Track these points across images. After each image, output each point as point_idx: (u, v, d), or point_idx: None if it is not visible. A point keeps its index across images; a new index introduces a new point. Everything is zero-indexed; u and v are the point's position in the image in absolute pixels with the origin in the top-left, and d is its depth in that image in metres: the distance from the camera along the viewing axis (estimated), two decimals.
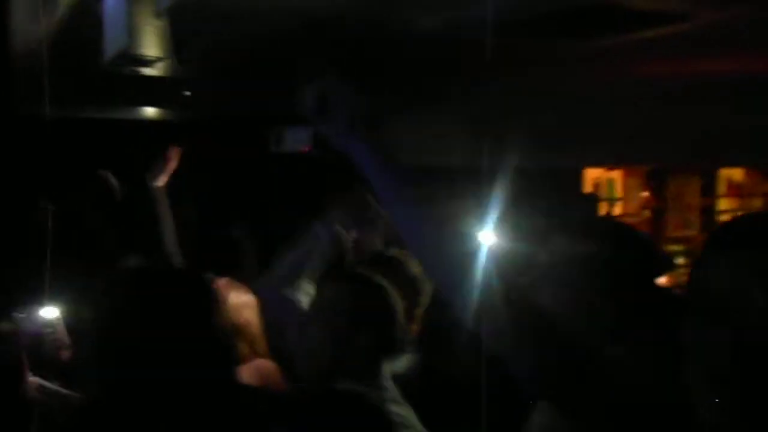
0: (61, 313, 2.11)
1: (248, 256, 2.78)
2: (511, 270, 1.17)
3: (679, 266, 5.33)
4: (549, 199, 3.34)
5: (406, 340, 1.62)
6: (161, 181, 2.57)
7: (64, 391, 1.60)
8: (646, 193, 5.86)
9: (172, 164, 2.59)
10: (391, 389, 1.43)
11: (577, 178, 5.38)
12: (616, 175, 5.73)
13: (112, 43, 2.11)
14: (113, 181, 3.43)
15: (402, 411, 1.38)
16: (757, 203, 6.26)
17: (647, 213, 5.87)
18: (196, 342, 1.12)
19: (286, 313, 1.67)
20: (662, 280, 3.78)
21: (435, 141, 3.92)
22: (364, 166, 1.15)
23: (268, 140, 2.37)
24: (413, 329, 1.69)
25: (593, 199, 4.61)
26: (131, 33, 2.02)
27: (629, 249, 1.30)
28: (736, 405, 0.75)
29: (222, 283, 2.29)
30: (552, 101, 3.56)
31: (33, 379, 1.58)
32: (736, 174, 6.15)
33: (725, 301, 0.75)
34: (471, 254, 1.13)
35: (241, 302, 2.28)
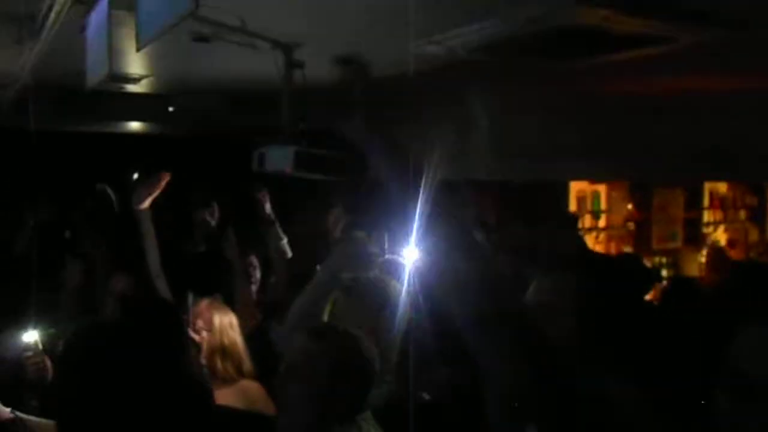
0: (42, 335, 2.10)
1: (235, 274, 2.78)
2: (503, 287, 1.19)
3: (663, 279, 5.37)
4: (534, 217, 3.37)
5: (384, 371, 1.62)
6: (145, 203, 2.56)
7: (37, 420, 1.59)
8: (630, 206, 5.90)
9: (158, 188, 2.58)
10: (367, 426, 1.44)
11: (562, 194, 5.42)
12: (601, 188, 5.77)
13: (97, 63, 2.12)
14: (111, 194, 3.42)
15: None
16: (740, 215, 6.32)
17: (632, 225, 5.92)
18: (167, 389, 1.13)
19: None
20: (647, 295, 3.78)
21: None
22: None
23: (251, 159, 2.37)
24: (391, 359, 1.69)
25: (574, 219, 4.66)
26: (115, 53, 2.03)
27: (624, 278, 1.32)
28: None
29: (205, 304, 2.28)
30: (539, 117, 3.59)
31: (4, 411, 1.57)
32: (721, 186, 6.22)
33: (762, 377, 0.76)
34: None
35: (224, 323, 2.27)
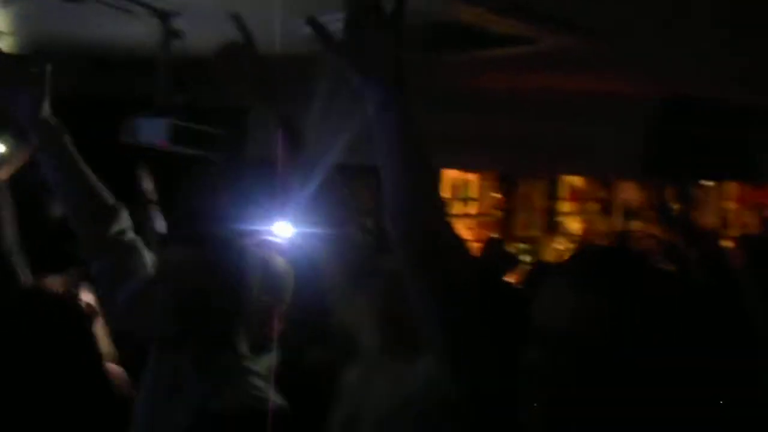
0: None
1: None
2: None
3: (525, 263, 5.77)
4: None
5: (270, 337, 1.64)
6: (2, 175, 2.36)
7: None
8: (498, 195, 6.27)
9: (22, 160, 2.38)
10: (253, 365, 1.41)
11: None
12: (472, 177, 6.08)
13: None
14: None
15: (260, 383, 1.37)
16: (593, 207, 6.91)
17: (498, 213, 6.29)
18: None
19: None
20: (509, 277, 4.05)
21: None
22: None
23: (120, 129, 2.24)
24: (276, 327, 1.70)
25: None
26: None
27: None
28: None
29: (57, 282, 2.16)
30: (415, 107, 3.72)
31: None
32: (577, 180, 6.76)
33: (568, 330, 0.86)
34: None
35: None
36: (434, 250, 1.01)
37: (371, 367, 1.33)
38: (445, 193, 5.77)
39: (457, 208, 5.92)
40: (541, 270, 3.57)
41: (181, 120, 2.12)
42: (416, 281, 1.04)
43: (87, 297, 2.18)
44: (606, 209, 7.02)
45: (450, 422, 1.13)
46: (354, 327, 1.40)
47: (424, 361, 1.19)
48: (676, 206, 6.51)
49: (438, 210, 1.08)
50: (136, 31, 2.22)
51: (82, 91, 3.46)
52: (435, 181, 1.11)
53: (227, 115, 2.29)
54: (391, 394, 1.26)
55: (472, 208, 6.11)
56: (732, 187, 6.91)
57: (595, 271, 0.90)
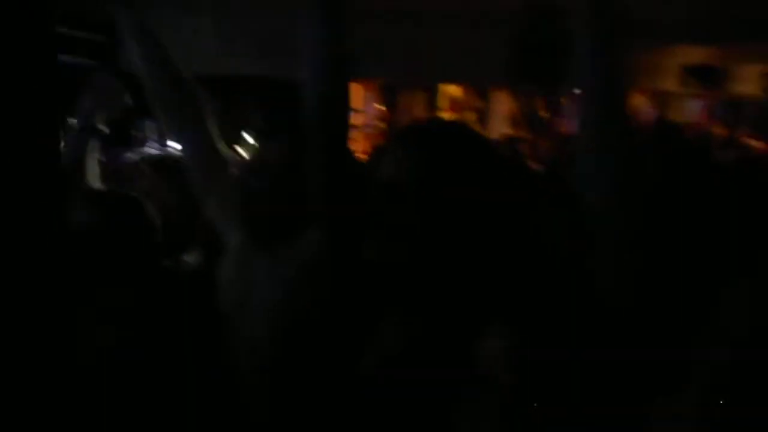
0: None
1: None
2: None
3: None
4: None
5: (193, 235, 1.73)
6: None
7: None
8: (380, 106, 6.44)
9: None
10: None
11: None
12: (355, 87, 6.18)
13: None
14: None
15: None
16: (471, 116, 7.27)
17: (382, 124, 6.49)
18: None
19: None
20: None
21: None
22: None
23: None
24: (200, 227, 1.77)
25: None
26: None
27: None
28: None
29: None
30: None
31: None
32: (455, 90, 7.05)
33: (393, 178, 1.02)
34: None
35: None
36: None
37: (242, 260, 1.45)
38: None
39: None
40: None
41: (63, 28, 2.06)
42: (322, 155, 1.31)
43: None
44: (483, 118, 7.40)
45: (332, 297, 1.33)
46: (221, 224, 1.51)
47: (297, 248, 1.36)
48: (544, 114, 7.02)
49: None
50: None
51: None
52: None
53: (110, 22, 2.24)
54: (273, 281, 1.38)
55: (357, 120, 6.25)
56: None
57: (418, 134, 1.07)
